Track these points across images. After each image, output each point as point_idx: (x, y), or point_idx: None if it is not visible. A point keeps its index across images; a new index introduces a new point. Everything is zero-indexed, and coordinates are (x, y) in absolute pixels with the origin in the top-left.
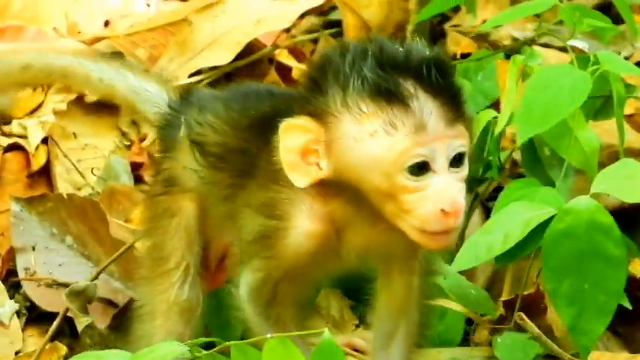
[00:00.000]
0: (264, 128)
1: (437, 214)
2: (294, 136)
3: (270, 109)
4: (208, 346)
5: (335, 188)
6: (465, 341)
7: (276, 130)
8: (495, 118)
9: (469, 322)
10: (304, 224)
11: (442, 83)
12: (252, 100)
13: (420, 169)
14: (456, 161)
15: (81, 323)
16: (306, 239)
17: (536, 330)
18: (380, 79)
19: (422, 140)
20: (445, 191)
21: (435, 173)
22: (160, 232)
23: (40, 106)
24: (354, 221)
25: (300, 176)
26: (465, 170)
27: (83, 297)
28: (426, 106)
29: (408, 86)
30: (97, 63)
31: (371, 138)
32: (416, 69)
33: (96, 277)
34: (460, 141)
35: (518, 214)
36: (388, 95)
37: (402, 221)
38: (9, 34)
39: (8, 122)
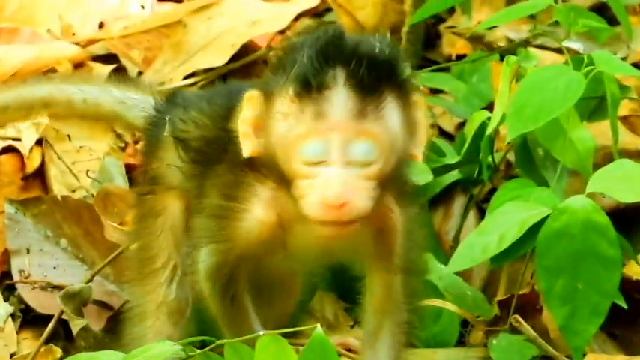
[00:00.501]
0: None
1: (319, 205)
2: (249, 108)
3: None
4: (202, 346)
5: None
6: (461, 342)
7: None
8: (489, 119)
9: (464, 323)
10: (257, 211)
11: (366, 79)
12: (235, 94)
13: (314, 156)
14: (361, 158)
15: (76, 325)
16: (257, 226)
17: (532, 332)
18: (306, 67)
19: (319, 129)
20: (330, 183)
21: (328, 164)
22: (146, 232)
23: None
24: (301, 217)
25: (246, 147)
26: (373, 169)
27: (78, 299)
28: (337, 97)
29: (329, 77)
30: (77, 85)
31: (283, 120)
32: (345, 61)
33: (90, 280)
34: (367, 138)
35: (513, 214)
36: (307, 82)
37: (301, 206)
38: (3, 36)
39: (2, 125)
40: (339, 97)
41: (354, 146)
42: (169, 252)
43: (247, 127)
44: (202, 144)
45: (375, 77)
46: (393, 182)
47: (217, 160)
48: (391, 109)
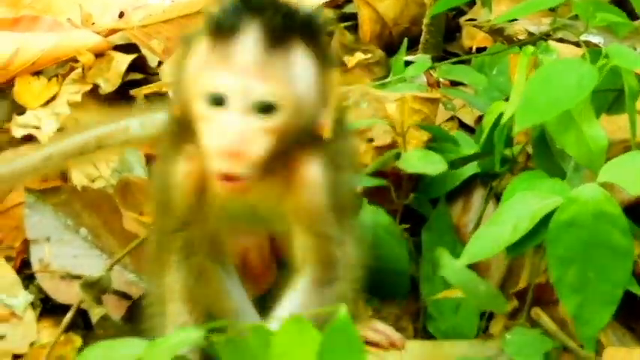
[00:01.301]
0: None
1: (214, 150)
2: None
3: None
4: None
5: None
6: (483, 334)
7: None
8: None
9: (484, 313)
10: (182, 165)
11: (277, 29)
12: None
13: (214, 100)
14: (262, 105)
15: (95, 315)
16: (184, 178)
17: (552, 325)
18: (221, 14)
19: (223, 71)
20: (227, 129)
21: (227, 110)
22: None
23: (54, 97)
24: None
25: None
26: (274, 122)
27: (97, 288)
28: (244, 41)
29: (241, 22)
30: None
31: (192, 61)
32: (260, 8)
33: (110, 269)
34: (270, 87)
35: (525, 204)
36: (217, 28)
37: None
38: (24, 23)
39: (22, 113)
40: (247, 41)
41: (255, 92)
42: None
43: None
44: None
45: (287, 29)
46: (301, 144)
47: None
48: (300, 65)
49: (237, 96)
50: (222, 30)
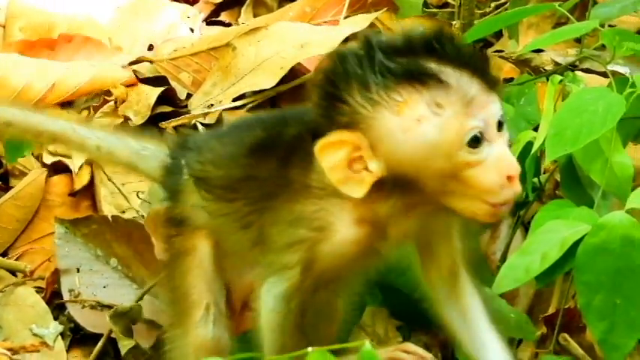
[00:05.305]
0: (269, 151)
1: (503, 182)
2: (333, 153)
3: (266, 133)
4: None
5: (380, 185)
6: None
7: (287, 152)
8: (535, 139)
9: (512, 339)
10: (347, 231)
11: (462, 53)
12: (242, 130)
13: (477, 140)
14: (500, 126)
15: (124, 347)
16: (349, 245)
17: (580, 350)
18: (400, 64)
19: (473, 112)
20: (504, 157)
21: (490, 142)
22: (176, 274)
23: None
24: (397, 214)
25: (355, 187)
26: (507, 134)
27: (127, 318)
28: (461, 78)
29: (431, 64)
30: (93, 131)
31: (419, 124)
32: (426, 47)
33: (140, 299)
34: (499, 105)
35: (554, 233)
36: (419, 77)
37: (462, 199)
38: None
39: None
40: (464, 76)
41: (497, 117)
42: (200, 290)
43: (342, 171)
44: (230, 182)
45: (465, 50)
46: None
47: (264, 197)
48: (492, 71)
49: (491, 126)
50: (422, 77)
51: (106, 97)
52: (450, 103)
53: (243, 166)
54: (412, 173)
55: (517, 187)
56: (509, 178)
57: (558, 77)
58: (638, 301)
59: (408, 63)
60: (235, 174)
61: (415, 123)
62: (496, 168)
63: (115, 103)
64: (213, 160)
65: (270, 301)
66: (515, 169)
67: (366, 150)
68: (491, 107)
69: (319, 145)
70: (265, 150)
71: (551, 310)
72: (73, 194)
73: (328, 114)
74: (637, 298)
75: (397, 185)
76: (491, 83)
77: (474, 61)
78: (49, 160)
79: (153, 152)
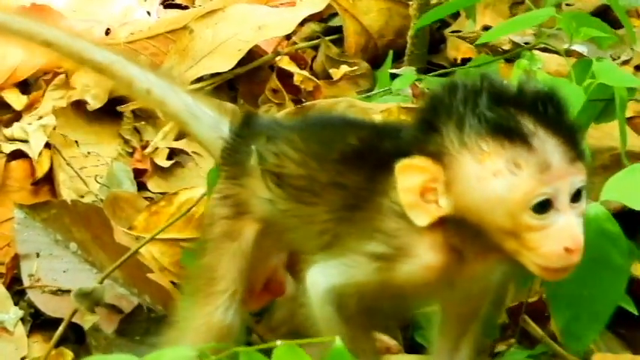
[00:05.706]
0: (361, 162)
1: (560, 253)
2: (411, 176)
3: (360, 143)
4: None
5: (453, 223)
6: None
7: (378, 166)
8: None
9: None
10: (426, 256)
11: (560, 120)
12: (330, 131)
13: (543, 207)
14: (576, 197)
15: (87, 322)
16: (426, 271)
17: (540, 331)
18: (498, 116)
19: (546, 179)
20: (568, 229)
21: (558, 211)
22: (217, 254)
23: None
24: (474, 252)
25: (421, 215)
26: (583, 204)
27: (91, 299)
28: (548, 143)
29: (527, 123)
30: (146, 73)
31: (494, 177)
32: (532, 105)
33: (100, 283)
34: (580, 177)
35: None
36: (509, 133)
37: (523, 257)
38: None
39: (9, 125)
40: (551, 143)
41: (574, 188)
42: (233, 278)
43: (414, 196)
44: (312, 185)
45: (564, 117)
46: None
47: (349, 207)
48: (582, 146)
49: (563, 196)
50: (512, 134)
51: (56, 70)
52: (528, 165)
53: (331, 172)
54: (475, 221)
55: (575, 259)
56: (568, 250)
57: (524, 62)
58: (604, 294)
59: (507, 117)
60: (321, 178)
61: (490, 175)
62: (557, 237)
63: (66, 75)
64: (293, 155)
65: (324, 292)
66: (577, 243)
67: (442, 184)
68: (569, 179)
69: (401, 164)
70: (358, 159)
71: (509, 300)
72: (35, 183)
73: (422, 138)
74: (604, 291)
75: (462, 226)
76: (577, 155)
77: (567, 130)
78: (7, 149)
79: (210, 118)
